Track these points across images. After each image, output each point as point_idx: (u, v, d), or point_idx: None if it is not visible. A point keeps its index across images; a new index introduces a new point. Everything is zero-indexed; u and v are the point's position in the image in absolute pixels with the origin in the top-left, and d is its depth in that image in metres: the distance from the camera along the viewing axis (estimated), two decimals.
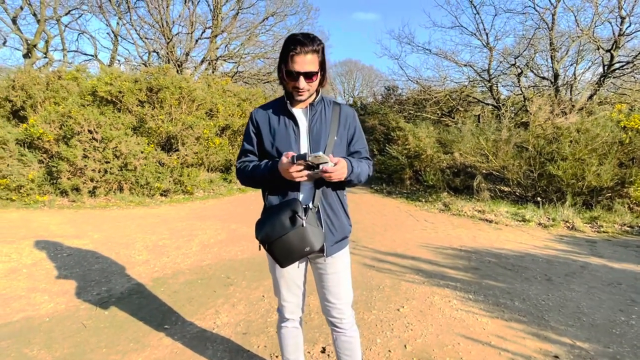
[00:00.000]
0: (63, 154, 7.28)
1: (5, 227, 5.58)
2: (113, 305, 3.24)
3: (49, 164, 7.57)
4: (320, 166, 1.47)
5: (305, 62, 1.53)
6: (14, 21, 15.12)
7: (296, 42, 1.52)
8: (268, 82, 17.58)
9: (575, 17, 10.30)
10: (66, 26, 16.66)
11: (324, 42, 1.59)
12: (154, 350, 2.57)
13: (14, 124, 8.61)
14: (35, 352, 2.54)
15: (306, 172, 1.51)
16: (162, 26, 14.62)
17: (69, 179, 7.45)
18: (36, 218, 6.26)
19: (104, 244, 4.92)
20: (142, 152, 8.03)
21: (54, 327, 2.88)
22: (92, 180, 7.60)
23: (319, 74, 1.60)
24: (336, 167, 1.50)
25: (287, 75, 1.58)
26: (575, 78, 11.17)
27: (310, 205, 1.63)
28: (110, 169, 7.70)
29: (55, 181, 7.51)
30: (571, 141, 7.07)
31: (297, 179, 1.53)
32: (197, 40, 15.94)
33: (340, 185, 1.69)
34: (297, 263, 1.77)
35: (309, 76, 1.56)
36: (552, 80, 11.06)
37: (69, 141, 7.50)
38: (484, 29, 11.92)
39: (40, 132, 7.47)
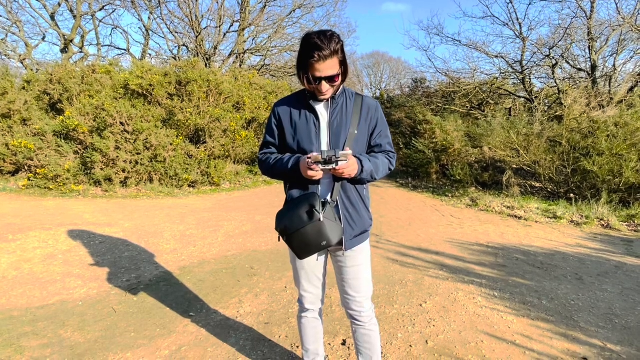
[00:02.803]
0: (96, 145, 7.56)
1: (44, 215, 5.86)
2: (142, 292, 3.36)
3: (84, 154, 7.89)
4: (339, 163, 1.47)
5: (326, 67, 1.49)
6: (52, 17, 15.76)
7: (314, 48, 1.45)
8: (295, 74, 17.62)
9: (616, 4, 9.73)
10: (100, 21, 17.26)
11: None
12: (179, 337, 2.66)
13: (51, 116, 9.01)
14: (70, 334, 2.67)
15: (321, 168, 1.50)
16: (192, 20, 14.86)
17: (102, 169, 7.74)
18: (71, 206, 6.55)
19: (134, 232, 5.10)
20: (171, 144, 8.24)
21: (86, 310, 3.02)
22: (123, 171, 7.86)
23: (341, 73, 1.57)
24: (347, 164, 1.50)
25: (308, 82, 1.55)
26: (615, 69, 10.61)
27: (329, 199, 1.63)
28: (141, 160, 7.94)
29: (89, 171, 7.82)
30: (608, 135, 6.75)
31: (315, 178, 1.55)
32: (225, 34, 16.14)
33: (357, 180, 1.67)
34: (316, 255, 1.79)
35: (331, 79, 1.54)
36: (590, 72, 10.54)
37: (102, 133, 7.79)
38: (517, 19, 11.46)
39: (75, 124, 7.78)
